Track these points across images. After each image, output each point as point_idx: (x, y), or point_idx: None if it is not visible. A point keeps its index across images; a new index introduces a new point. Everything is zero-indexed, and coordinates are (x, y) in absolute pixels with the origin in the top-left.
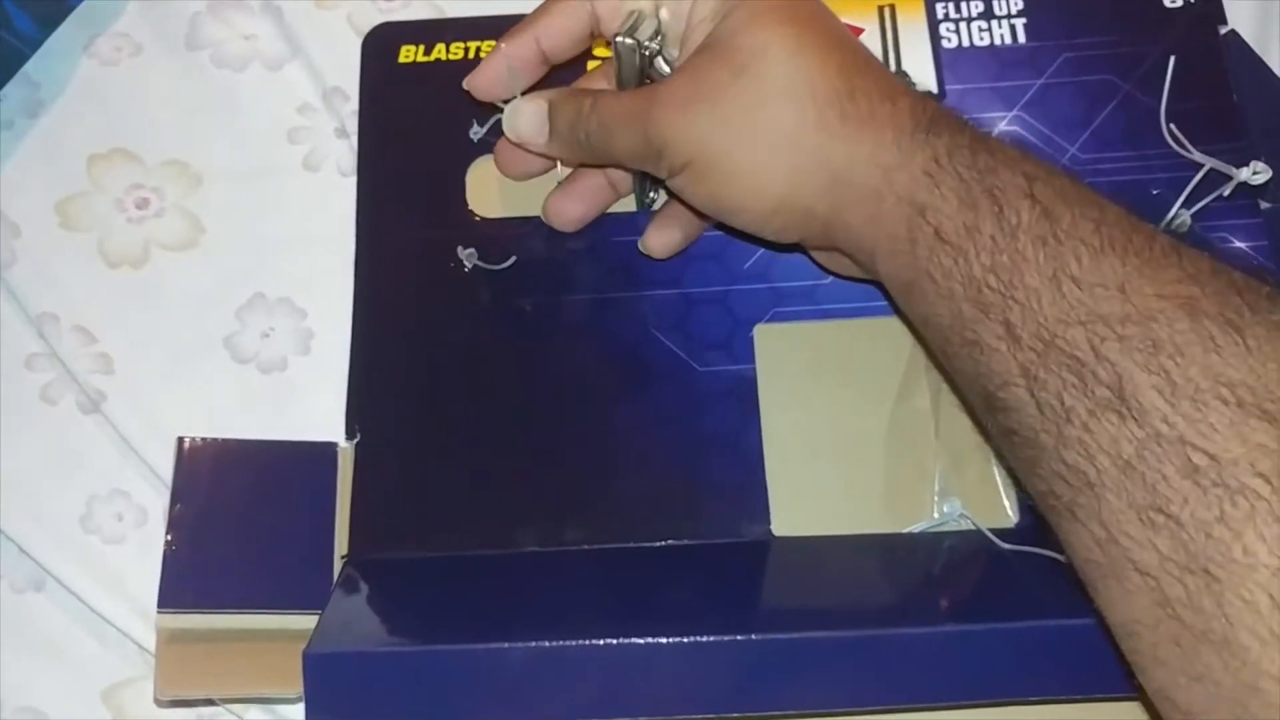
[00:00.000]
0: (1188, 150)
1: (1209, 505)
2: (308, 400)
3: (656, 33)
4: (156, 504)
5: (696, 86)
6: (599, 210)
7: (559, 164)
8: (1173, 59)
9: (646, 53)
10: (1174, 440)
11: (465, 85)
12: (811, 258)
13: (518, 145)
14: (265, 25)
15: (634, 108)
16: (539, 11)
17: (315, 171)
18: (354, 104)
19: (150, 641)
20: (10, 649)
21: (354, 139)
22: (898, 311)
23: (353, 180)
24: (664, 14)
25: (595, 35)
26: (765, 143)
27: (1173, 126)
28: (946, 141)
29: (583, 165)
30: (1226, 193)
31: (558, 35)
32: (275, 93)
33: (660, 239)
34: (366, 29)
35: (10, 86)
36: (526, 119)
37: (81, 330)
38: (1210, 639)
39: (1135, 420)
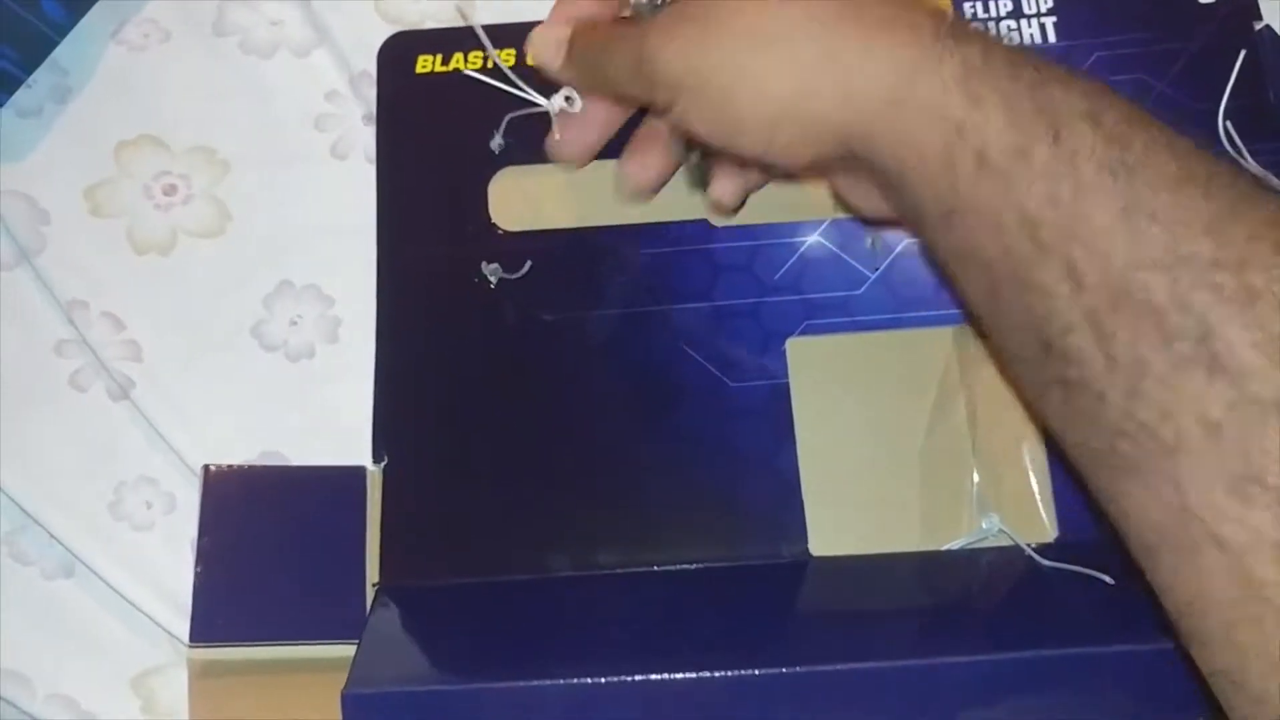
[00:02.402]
0: (1244, 158)
1: None
2: (336, 388)
3: None
4: (184, 491)
5: (686, 9)
6: (666, 171)
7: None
8: (1239, 58)
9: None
10: (1273, 403)
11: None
12: (834, 192)
13: (538, 67)
14: (292, 11)
15: (629, 34)
16: None
17: (343, 159)
18: None
19: (179, 629)
20: (41, 635)
21: None
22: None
23: None
24: None
25: None
26: (760, 48)
27: (1229, 126)
28: (980, 49)
29: (595, 96)
30: None
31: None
32: (303, 80)
33: (635, 164)
34: (394, 14)
35: (39, 73)
36: (543, 41)
37: (110, 317)
38: None
39: (1226, 378)
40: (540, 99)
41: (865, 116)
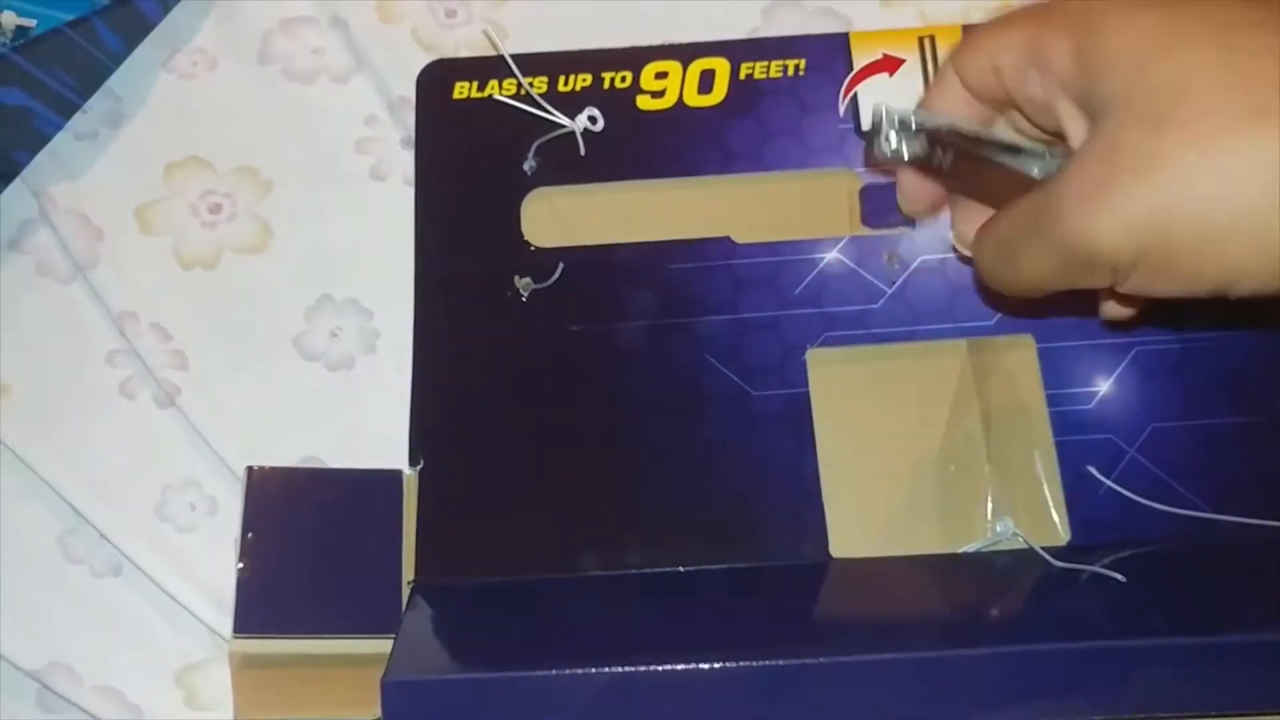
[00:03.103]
0: None
1: None
2: (373, 397)
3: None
4: (226, 495)
5: (1108, 163)
6: None
7: None
8: None
9: (886, 136)
10: None
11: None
12: None
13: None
14: (333, 39)
15: (1032, 215)
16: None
17: (382, 181)
18: None
19: (221, 625)
20: (90, 630)
21: None
22: None
23: None
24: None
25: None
26: (1242, 189)
27: None
28: None
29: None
30: None
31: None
32: (343, 104)
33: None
34: (430, 42)
35: (95, 98)
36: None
37: (158, 328)
38: None
39: None
40: (567, 121)
41: None
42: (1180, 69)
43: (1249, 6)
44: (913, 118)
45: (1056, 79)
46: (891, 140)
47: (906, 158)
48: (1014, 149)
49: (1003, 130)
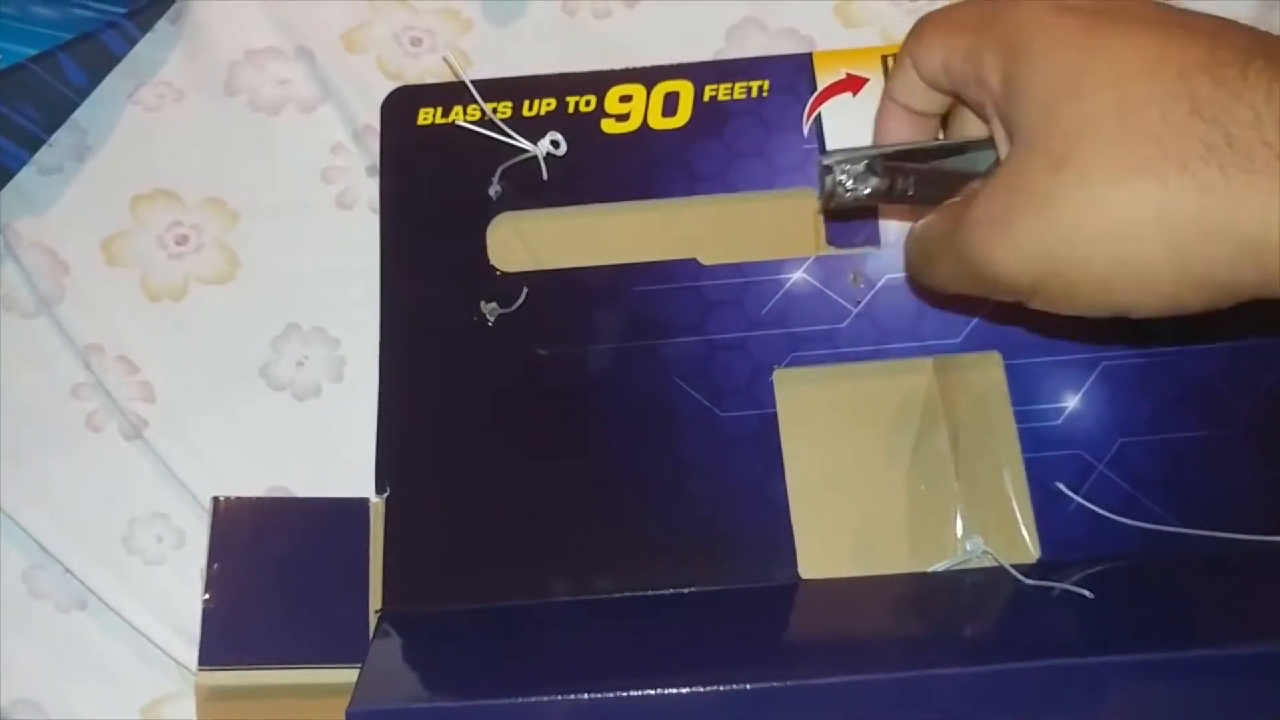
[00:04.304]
0: None
1: None
2: (341, 425)
3: (863, 169)
4: (194, 526)
5: (1012, 196)
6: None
7: None
8: None
9: (840, 182)
10: None
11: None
12: None
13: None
14: (299, 70)
15: (948, 228)
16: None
17: (348, 209)
18: None
19: (188, 658)
20: (55, 666)
21: None
22: None
23: None
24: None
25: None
26: (1127, 237)
27: None
28: None
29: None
30: None
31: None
32: (309, 134)
33: None
34: (395, 71)
35: (60, 133)
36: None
37: (125, 360)
38: None
39: None
40: (529, 145)
41: (1268, 261)
42: (1081, 114)
43: (1158, 44)
44: (864, 156)
45: (989, 95)
46: (848, 183)
47: (868, 193)
48: (962, 148)
49: (960, 130)
